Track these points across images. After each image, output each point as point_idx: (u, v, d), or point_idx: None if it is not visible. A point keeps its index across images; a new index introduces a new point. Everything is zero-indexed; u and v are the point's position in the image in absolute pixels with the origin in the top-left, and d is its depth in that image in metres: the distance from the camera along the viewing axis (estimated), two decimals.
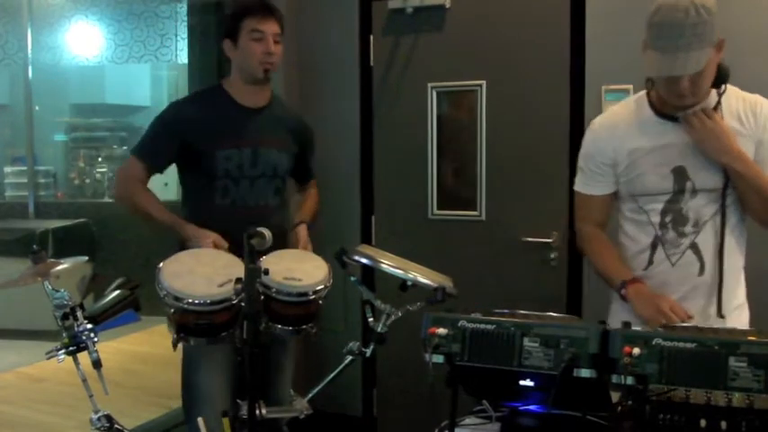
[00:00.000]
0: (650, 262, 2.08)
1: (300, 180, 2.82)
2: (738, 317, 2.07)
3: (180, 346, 2.14)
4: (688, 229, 2.02)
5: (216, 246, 2.31)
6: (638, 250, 2.10)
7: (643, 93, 2.10)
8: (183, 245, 2.41)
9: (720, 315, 2.00)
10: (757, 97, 2.04)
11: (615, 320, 2.00)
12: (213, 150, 2.46)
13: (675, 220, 2.02)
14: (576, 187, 2.22)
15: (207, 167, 2.47)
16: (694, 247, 2.02)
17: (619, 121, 2.11)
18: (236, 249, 2.18)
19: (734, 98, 2.01)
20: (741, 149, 1.95)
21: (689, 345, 1.40)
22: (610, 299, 2.20)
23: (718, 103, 1.97)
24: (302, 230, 2.59)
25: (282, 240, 2.52)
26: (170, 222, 2.45)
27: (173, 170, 2.59)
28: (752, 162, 1.96)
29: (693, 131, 1.95)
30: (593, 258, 2.19)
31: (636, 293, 2.01)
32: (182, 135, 2.46)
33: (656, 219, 2.05)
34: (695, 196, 2.00)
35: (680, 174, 2.01)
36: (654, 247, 2.07)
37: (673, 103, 1.97)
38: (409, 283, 2.13)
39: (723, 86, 1.96)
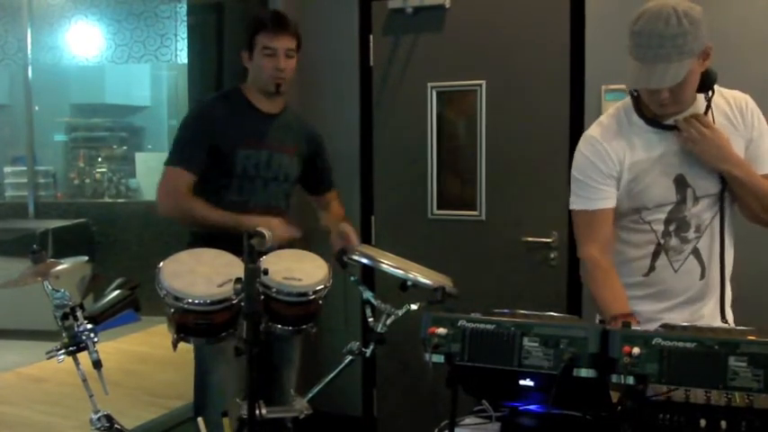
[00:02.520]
0: (652, 268, 2.05)
1: (314, 190, 2.82)
2: (730, 317, 2.07)
3: (183, 345, 2.14)
4: (691, 235, 2.00)
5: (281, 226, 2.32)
6: (637, 257, 2.06)
7: (628, 100, 2.04)
8: (190, 244, 2.43)
9: (724, 319, 1.99)
10: (741, 94, 2.01)
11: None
12: (235, 149, 2.49)
13: (679, 227, 2.00)
14: (575, 206, 2.05)
15: (226, 166, 2.50)
16: (696, 252, 2.01)
17: (615, 133, 2.02)
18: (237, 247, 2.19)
19: (720, 98, 1.98)
20: (737, 154, 1.93)
21: (689, 344, 1.40)
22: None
23: (708, 107, 1.94)
24: (347, 226, 2.53)
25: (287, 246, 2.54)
26: (230, 221, 2.37)
27: None
28: (747, 166, 1.94)
29: (691, 141, 1.91)
30: (596, 284, 2.01)
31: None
32: (211, 136, 2.48)
33: (659, 227, 2.01)
34: (697, 203, 1.98)
35: (681, 182, 1.97)
36: (656, 254, 2.03)
37: (656, 111, 1.94)
38: (409, 283, 2.14)
39: (711, 92, 1.92)
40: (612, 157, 2.00)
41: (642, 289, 2.06)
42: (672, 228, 2.00)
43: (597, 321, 1.86)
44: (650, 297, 2.06)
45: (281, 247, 2.34)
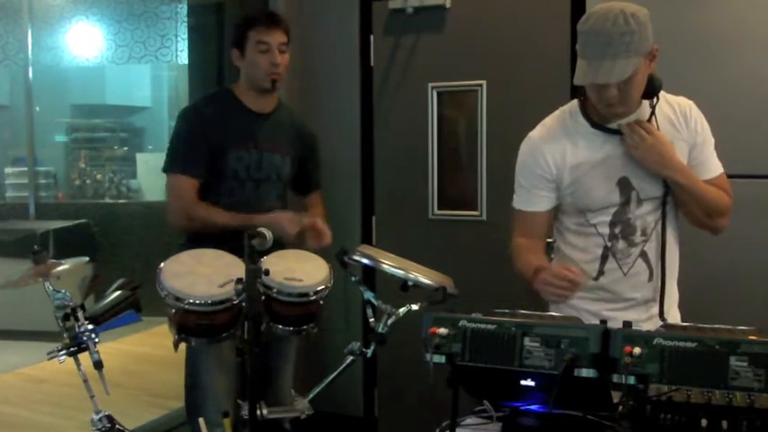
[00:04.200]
0: (600, 272, 2.06)
1: (302, 190, 2.81)
2: (674, 317, 2.10)
3: (183, 345, 2.14)
4: (637, 238, 2.02)
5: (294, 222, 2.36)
6: (585, 261, 2.06)
7: (575, 103, 2.06)
8: (187, 245, 2.42)
9: (662, 318, 2.01)
10: (685, 100, 2.04)
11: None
12: (227, 151, 2.48)
13: (624, 230, 2.01)
14: (516, 205, 2.13)
15: (218, 168, 2.49)
16: (644, 255, 2.03)
17: (556, 135, 2.05)
18: (239, 249, 2.19)
19: (664, 103, 2.00)
20: (680, 161, 1.96)
21: (689, 344, 1.41)
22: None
23: (652, 114, 1.96)
24: (320, 223, 2.51)
25: (281, 242, 2.55)
26: (240, 222, 2.36)
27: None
28: (690, 172, 1.97)
29: (633, 147, 1.93)
30: (517, 263, 2.09)
31: (539, 283, 1.92)
32: (207, 138, 2.48)
33: (604, 230, 2.03)
34: (641, 205, 2.00)
35: (625, 185, 1.99)
36: (604, 257, 2.05)
37: (602, 112, 1.95)
38: (410, 283, 2.14)
39: (656, 98, 1.95)
40: (548, 160, 2.04)
41: (593, 292, 2.06)
42: (617, 230, 2.02)
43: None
44: (602, 300, 2.07)
45: (289, 244, 2.35)
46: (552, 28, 3.21)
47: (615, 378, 1.45)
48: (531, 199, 2.09)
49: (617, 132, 1.98)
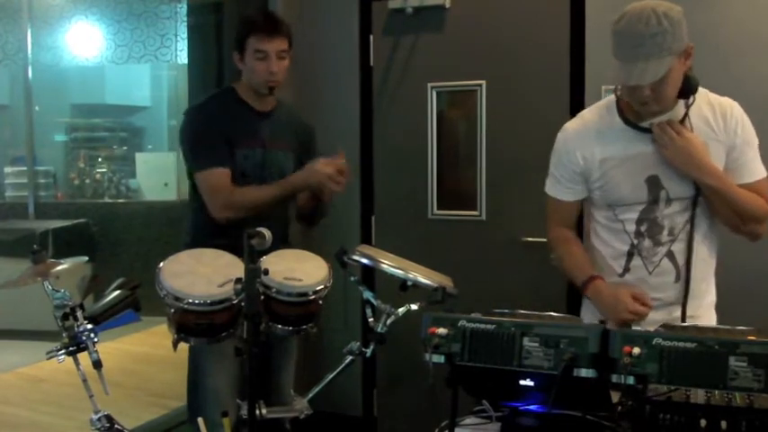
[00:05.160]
0: (626, 269, 2.06)
1: None
2: (709, 319, 2.07)
3: (184, 345, 2.14)
4: (664, 237, 2.01)
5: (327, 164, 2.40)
6: (612, 256, 2.08)
7: (613, 98, 2.07)
8: (188, 245, 2.42)
9: (684, 321, 2.00)
10: (727, 101, 2.01)
11: (587, 319, 2.04)
12: (235, 149, 2.49)
13: (651, 228, 2.01)
14: (547, 190, 2.19)
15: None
16: (670, 255, 2.02)
17: (589, 128, 2.07)
18: (239, 249, 2.19)
19: (704, 103, 1.98)
20: (711, 163, 1.93)
21: (689, 344, 1.41)
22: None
23: (686, 115, 1.95)
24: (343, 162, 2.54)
25: (285, 240, 2.58)
26: (282, 190, 2.45)
27: (171, 170, 2.59)
28: (722, 175, 1.94)
29: (663, 146, 1.93)
30: (562, 260, 2.18)
31: (594, 293, 2.02)
32: (221, 132, 2.48)
33: (631, 227, 2.03)
34: (670, 205, 1.99)
35: (654, 183, 1.99)
36: (630, 255, 2.05)
37: (637, 110, 1.96)
38: (409, 283, 2.14)
39: (692, 98, 1.93)
40: (578, 154, 2.07)
41: None
42: (644, 228, 2.02)
43: (598, 321, 1.86)
44: None
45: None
46: (552, 28, 3.21)
47: (614, 378, 1.45)
48: (561, 188, 2.15)
49: (649, 131, 1.97)
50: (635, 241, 2.03)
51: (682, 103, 1.95)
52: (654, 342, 1.43)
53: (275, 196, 2.45)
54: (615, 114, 2.03)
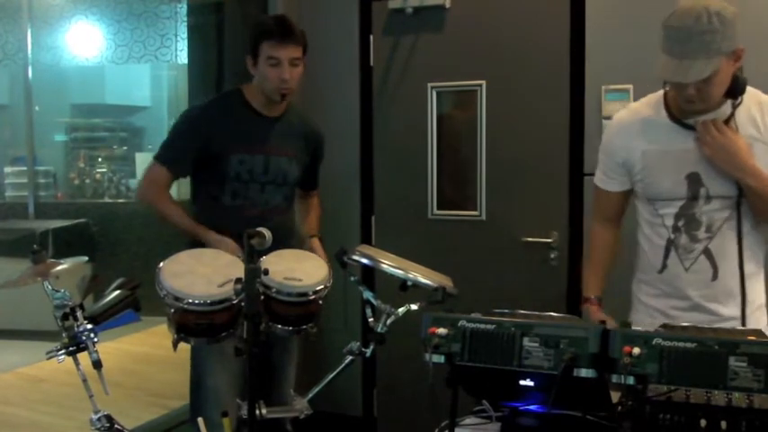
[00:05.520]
0: (664, 266, 2.07)
1: (305, 187, 2.83)
2: (757, 321, 2.05)
3: (184, 345, 2.14)
4: (701, 234, 2.00)
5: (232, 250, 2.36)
6: (652, 252, 2.10)
7: (662, 92, 2.07)
8: (191, 245, 2.43)
9: (744, 325, 1.98)
10: None
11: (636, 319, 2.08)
12: (228, 154, 2.50)
13: (688, 224, 2.01)
14: (595, 180, 2.23)
15: (220, 169, 2.51)
16: (707, 252, 2.01)
17: (635, 120, 2.09)
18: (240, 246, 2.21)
19: (753, 103, 1.97)
20: (753, 164, 1.92)
21: (689, 345, 1.41)
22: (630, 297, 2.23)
23: (732, 114, 1.94)
24: (316, 243, 2.66)
25: (289, 241, 2.59)
26: (190, 229, 2.49)
27: None
28: (763, 176, 1.93)
29: (706, 146, 1.94)
30: (585, 262, 2.26)
31: (584, 312, 2.16)
32: (202, 139, 2.50)
33: (669, 222, 2.04)
34: (709, 202, 1.99)
35: (694, 180, 1.99)
36: (667, 250, 2.05)
37: (683, 107, 1.96)
38: (409, 283, 2.14)
39: (739, 98, 1.93)
40: (622, 145, 2.10)
41: (656, 286, 2.09)
42: (681, 224, 2.02)
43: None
44: (664, 295, 2.08)
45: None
46: (552, 28, 3.21)
47: (614, 378, 1.45)
48: (604, 178, 2.18)
49: (693, 128, 1.98)
50: (672, 236, 2.04)
51: (729, 102, 1.95)
52: (654, 342, 1.43)
53: (179, 227, 2.52)
54: (662, 109, 2.04)
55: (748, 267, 2.01)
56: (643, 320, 2.06)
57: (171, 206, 2.54)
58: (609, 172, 2.15)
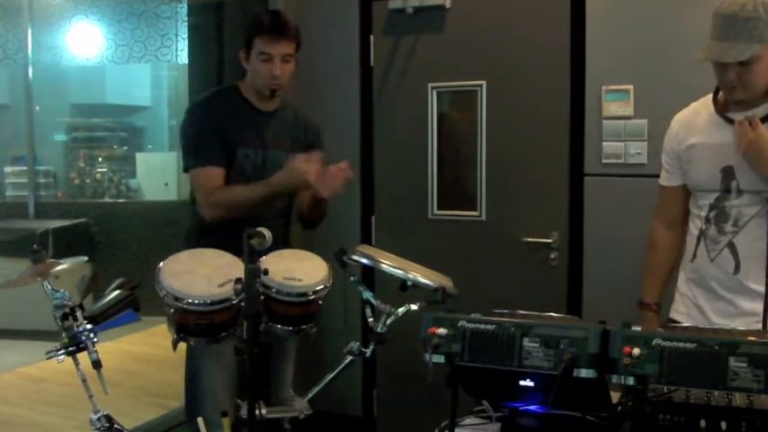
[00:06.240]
0: (695, 255, 2.15)
1: None
2: None
3: (183, 345, 2.14)
4: (728, 227, 2.06)
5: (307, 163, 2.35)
6: (689, 241, 2.19)
7: (715, 89, 2.14)
8: (188, 245, 2.42)
9: (765, 322, 1.99)
10: None
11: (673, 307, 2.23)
12: (235, 148, 2.49)
13: (718, 216, 2.08)
14: (659, 181, 2.29)
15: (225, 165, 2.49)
16: (731, 246, 2.05)
17: (689, 116, 2.18)
18: (239, 249, 2.19)
19: None
20: None
21: (689, 345, 1.40)
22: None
23: None
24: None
25: (286, 241, 2.58)
26: (267, 190, 2.41)
27: (172, 170, 2.60)
28: None
29: (738, 140, 1.99)
30: (647, 264, 2.30)
31: (641, 318, 2.20)
32: (216, 130, 2.48)
33: (704, 213, 2.11)
34: (740, 196, 2.04)
35: (728, 173, 2.05)
36: (698, 240, 2.13)
37: (726, 96, 2.03)
38: (409, 283, 2.14)
39: None
40: (675, 140, 2.18)
41: (688, 273, 2.19)
42: (712, 215, 2.09)
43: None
44: (693, 282, 2.16)
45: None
46: (552, 28, 3.21)
47: (614, 378, 1.45)
48: (667, 175, 2.25)
49: (734, 122, 2.03)
50: (703, 227, 2.11)
51: None
52: (654, 342, 1.42)
53: (258, 196, 2.41)
54: (710, 104, 2.12)
55: None
56: (678, 309, 2.20)
57: (234, 191, 2.44)
58: (669, 168, 2.23)
